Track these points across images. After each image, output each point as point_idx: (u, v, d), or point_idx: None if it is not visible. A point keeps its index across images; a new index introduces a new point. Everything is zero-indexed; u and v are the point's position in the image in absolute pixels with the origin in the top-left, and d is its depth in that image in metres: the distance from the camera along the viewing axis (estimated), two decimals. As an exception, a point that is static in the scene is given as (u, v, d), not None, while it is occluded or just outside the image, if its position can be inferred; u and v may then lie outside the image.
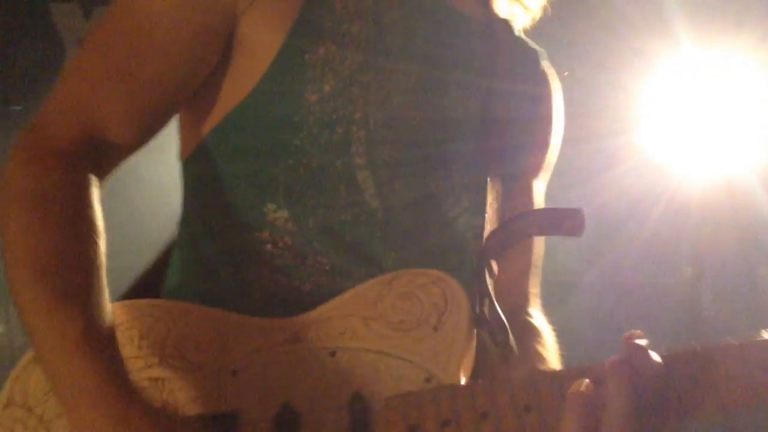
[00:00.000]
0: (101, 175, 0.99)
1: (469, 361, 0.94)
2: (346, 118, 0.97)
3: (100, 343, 0.87)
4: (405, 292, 0.93)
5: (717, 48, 3.85)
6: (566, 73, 3.87)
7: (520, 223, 1.11)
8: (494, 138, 1.12)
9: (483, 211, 1.10)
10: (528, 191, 1.25)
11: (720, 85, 3.88)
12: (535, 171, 1.28)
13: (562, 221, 1.07)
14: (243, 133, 1.00)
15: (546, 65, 1.29)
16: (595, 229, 3.91)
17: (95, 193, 0.96)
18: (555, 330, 1.25)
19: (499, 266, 1.13)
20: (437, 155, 1.07)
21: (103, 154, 0.99)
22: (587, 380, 0.83)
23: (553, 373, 0.97)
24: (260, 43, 0.97)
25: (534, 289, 1.30)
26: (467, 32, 1.13)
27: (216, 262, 1.05)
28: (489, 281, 1.03)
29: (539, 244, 1.30)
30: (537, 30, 1.31)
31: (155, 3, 0.96)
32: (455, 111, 1.10)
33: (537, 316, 1.25)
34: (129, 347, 0.92)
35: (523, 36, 1.27)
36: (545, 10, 1.29)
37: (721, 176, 4.07)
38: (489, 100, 1.12)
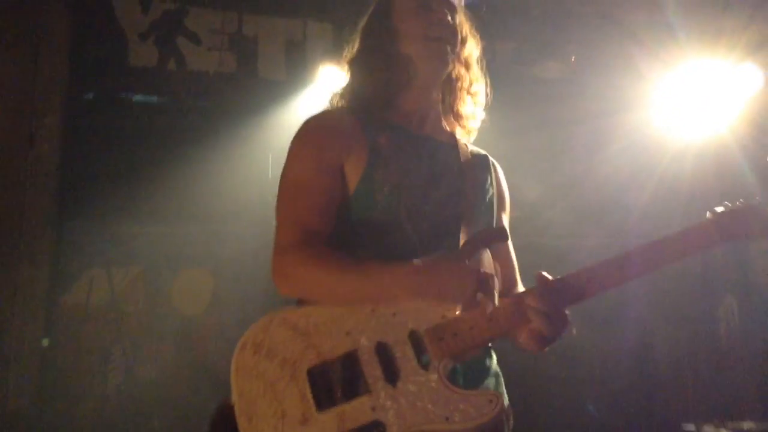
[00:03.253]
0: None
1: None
2: (396, 202, 1.79)
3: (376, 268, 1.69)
4: None
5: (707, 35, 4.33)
6: (573, 59, 4.40)
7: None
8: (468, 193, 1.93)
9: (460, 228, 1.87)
10: (501, 222, 2.05)
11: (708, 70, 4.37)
12: (501, 216, 2.05)
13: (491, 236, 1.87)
14: (354, 215, 1.82)
15: (491, 162, 2.06)
16: (597, 197, 4.49)
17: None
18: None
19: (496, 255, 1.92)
20: (448, 215, 1.85)
21: (319, 238, 1.77)
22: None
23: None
24: (352, 173, 1.81)
25: (516, 275, 2.04)
26: (447, 151, 1.95)
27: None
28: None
29: (511, 250, 2.06)
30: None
31: (303, 168, 1.83)
32: (446, 183, 1.88)
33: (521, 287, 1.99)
34: None
35: (472, 147, 2.05)
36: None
37: (709, 152, 4.57)
38: (469, 187, 1.91)
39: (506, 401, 1.76)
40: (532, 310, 1.60)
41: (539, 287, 1.64)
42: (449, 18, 1.91)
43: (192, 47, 4.59)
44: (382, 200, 1.76)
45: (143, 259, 4.29)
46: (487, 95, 2.05)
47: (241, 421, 1.59)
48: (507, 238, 1.88)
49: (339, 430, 1.54)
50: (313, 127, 1.85)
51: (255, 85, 4.67)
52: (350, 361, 1.60)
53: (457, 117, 2.02)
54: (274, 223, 3.75)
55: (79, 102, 4.25)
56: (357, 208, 1.78)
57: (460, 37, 1.96)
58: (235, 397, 1.61)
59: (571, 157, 4.45)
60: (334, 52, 4.59)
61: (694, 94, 4.49)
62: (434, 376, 1.57)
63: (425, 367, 1.58)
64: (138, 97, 4.45)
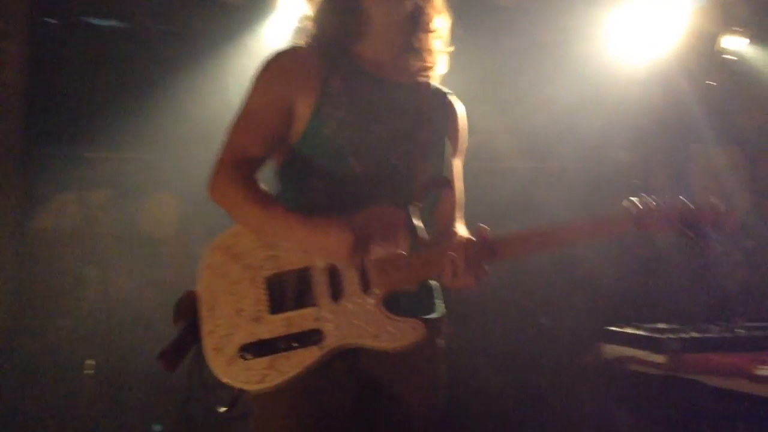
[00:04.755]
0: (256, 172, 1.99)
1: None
2: (345, 141, 1.93)
3: (278, 212, 1.87)
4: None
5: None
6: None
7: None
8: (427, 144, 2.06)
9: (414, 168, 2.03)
10: (449, 166, 2.16)
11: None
12: (455, 154, 2.17)
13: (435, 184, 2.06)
14: (304, 149, 1.98)
15: (450, 101, 2.16)
16: (552, 125, 4.69)
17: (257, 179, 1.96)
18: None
19: (438, 201, 2.08)
20: (395, 153, 2.00)
21: (254, 163, 1.97)
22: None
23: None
24: (303, 111, 1.95)
25: (459, 214, 2.19)
26: (403, 92, 2.06)
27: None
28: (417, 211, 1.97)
29: (459, 186, 2.20)
30: None
31: (255, 100, 1.99)
32: (397, 121, 2.02)
33: (460, 228, 2.16)
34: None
35: (433, 84, 2.13)
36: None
37: (654, 75, 4.79)
38: (420, 127, 2.04)
39: (437, 314, 2.02)
40: (459, 253, 1.85)
41: (472, 238, 1.91)
42: None
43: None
44: (329, 134, 1.92)
45: (113, 184, 4.40)
46: (451, 30, 2.11)
47: (203, 310, 1.86)
48: (448, 186, 2.09)
49: (285, 331, 1.82)
50: (272, 65, 2.00)
51: (216, 9, 4.69)
52: (304, 275, 1.86)
53: (418, 54, 2.07)
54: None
55: (41, 27, 4.26)
56: (307, 144, 1.96)
57: None
58: (200, 289, 1.87)
59: (526, 86, 4.62)
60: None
61: (641, 18, 4.62)
62: (372, 301, 1.84)
63: (366, 291, 1.85)
64: (100, 22, 4.45)
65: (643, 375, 2.90)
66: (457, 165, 2.17)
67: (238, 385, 1.82)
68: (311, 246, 1.85)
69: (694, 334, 2.82)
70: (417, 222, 1.90)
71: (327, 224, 1.82)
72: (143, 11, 4.53)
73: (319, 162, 1.94)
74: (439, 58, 2.10)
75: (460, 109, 2.17)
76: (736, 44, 4.74)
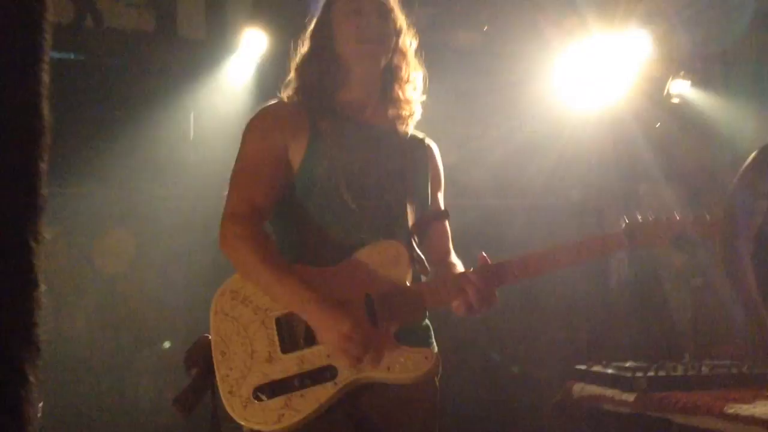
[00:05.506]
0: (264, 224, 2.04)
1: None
2: (339, 178, 2.00)
3: (303, 284, 1.88)
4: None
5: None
6: (485, 28, 4.63)
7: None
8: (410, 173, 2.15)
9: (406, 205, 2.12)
10: (436, 201, 2.27)
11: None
12: (438, 190, 2.27)
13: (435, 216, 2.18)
14: (299, 189, 2.04)
15: (427, 143, 2.26)
16: (511, 162, 4.78)
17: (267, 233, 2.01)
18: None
19: (428, 236, 2.17)
20: (388, 191, 2.07)
21: (263, 214, 2.01)
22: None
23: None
24: (296, 154, 2.03)
25: (450, 245, 2.27)
26: (382, 133, 2.14)
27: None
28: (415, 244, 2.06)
29: (447, 225, 2.29)
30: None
31: (252, 151, 2.06)
32: (387, 160, 2.10)
33: (454, 259, 2.23)
34: None
35: (411, 132, 2.23)
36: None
37: (606, 117, 4.95)
38: (403, 160, 2.13)
39: (436, 350, 2.03)
40: (471, 286, 1.91)
41: (480, 268, 1.97)
42: (378, 20, 2.13)
43: (109, 3, 4.52)
44: (322, 171, 1.99)
45: (63, 220, 4.28)
46: (424, 81, 2.22)
47: (216, 354, 1.86)
48: (448, 218, 2.20)
49: (298, 370, 1.84)
50: (264, 116, 2.12)
51: (174, 44, 4.66)
52: None
53: (396, 103, 2.19)
54: (196, 184, 3.80)
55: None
56: (301, 185, 2.01)
57: (393, 32, 2.17)
58: (212, 335, 1.88)
59: (482, 126, 4.72)
60: (255, 13, 4.62)
61: (594, 63, 4.78)
62: (382, 334, 1.87)
63: (374, 324, 1.87)
64: (55, 54, 4.36)
65: (613, 414, 2.94)
66: (441, 198, 2.28)
67: (255, 426, 1.81)
68: (320, 326, 1.85)
69: (661, 373, 2.87)
70: (419, 254, 1.99)
71: (340, 311, 1.84)
72: (100, 44, 4.47)
73: (314, 200, 2.00)
74: (416, 106, 2.21)
75: (436, 149, 2.29)
76: (682, 89, 4.94)
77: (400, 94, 2.18)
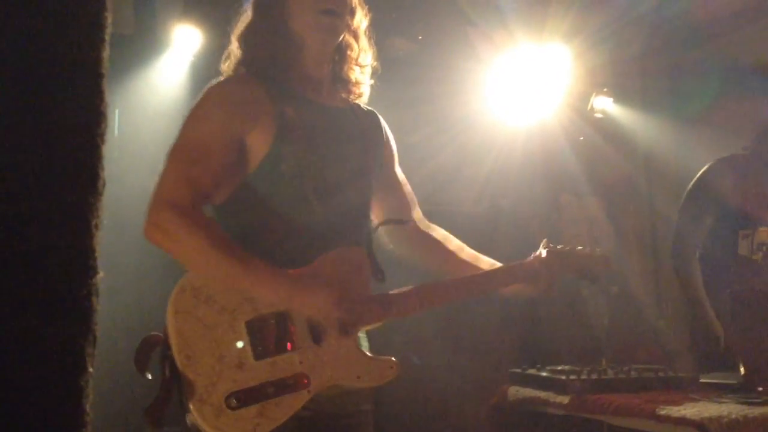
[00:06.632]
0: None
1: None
2: (301, 174, 1.89)
3: (257, 266, 1.79)
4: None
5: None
6: (420, 37, 4.66)
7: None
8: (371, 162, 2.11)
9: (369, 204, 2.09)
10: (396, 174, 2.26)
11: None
12: (394, 164, 2.25)
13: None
14: (258, 186, 1.90)
15: (380, 119, 2.21)
16: (447, 170, 4.78)
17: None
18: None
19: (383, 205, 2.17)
20: (353, 192, 2.01)
21: (204, 201, 1.83)
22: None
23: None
24: (258, 144, 1.88)
25: (418, 214, 2.27)
26: (342, 116, 2.07)
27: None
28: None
29: (409, 189, 2.28)
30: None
31: (204, 126, 1.86)
32: (351, 155, 2.03)
33: (433, 228, 2.27)
34: None
35: (363, 107, 2.18)
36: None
37: (535, 130, 5.09)
38: (364, 147, 2.08)
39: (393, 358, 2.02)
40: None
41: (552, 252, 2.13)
42: None
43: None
44: (287, 171, 1.86)
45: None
46: (373, 64, 2.16)
47: (180, 358, 1.71)
48: (404, 223, 2.20)
49: (270, 377, 1.76)
50: (216, 93, 1.90)
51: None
52: (283, 318, 1.80)
53: (346, 84, 2.10)
54: (132, 177, 3.68)
55: None
56: (263, 180, 1.87)
57: (351, 7, 2.06)
58: (172, 336, 1.72)
59: (420, 134, 4.76)
60: (187, 9, 4.51)
61: (523, 77, 4.91)
62: (351, 342, 1.86)
63: (344, 333, 1.85)
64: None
65: (548, 416, 3.02)
66: (399, 171, 2.26)
67: None
68: (298, 303, 1.80)
69: (593, 376, 2.97)
70: (376, 260, 2.00)
71: (312, 282, 1.81)
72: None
73: (275, 200, 1.88)
74: (365, 88, 2.16)
75: (384, 123, 2.23)
76: (604, 104, 5.13)
77: (351, 74, 2.10)
